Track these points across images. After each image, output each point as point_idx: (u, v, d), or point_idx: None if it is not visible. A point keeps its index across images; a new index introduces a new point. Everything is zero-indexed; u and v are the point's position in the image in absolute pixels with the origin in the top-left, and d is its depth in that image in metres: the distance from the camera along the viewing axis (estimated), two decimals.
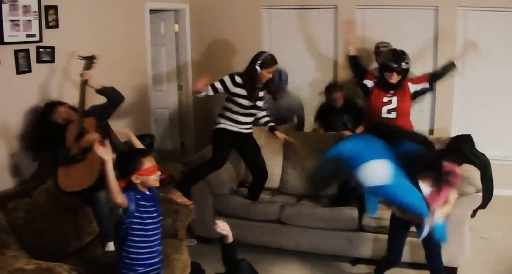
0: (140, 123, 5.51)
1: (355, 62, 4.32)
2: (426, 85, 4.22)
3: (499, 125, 5.67)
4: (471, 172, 4.13)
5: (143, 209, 2.80)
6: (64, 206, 3.59)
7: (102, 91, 3.88)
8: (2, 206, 3.27)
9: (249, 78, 4.30)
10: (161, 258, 3.00)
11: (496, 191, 5.22)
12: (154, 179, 2.83)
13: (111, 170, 2.59)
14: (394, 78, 4.10)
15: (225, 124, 4.40)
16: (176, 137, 6.78)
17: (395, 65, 4.05)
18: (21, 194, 3.48)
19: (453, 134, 5.23)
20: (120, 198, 2.63)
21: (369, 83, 4.23)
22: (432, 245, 3.36)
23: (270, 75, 4.37)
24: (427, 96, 5.67)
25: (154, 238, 2.87)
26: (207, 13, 6.32)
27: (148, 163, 2.81)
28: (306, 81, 6.17)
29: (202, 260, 4.22)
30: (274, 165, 4.96)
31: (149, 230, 2.83)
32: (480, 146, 5.12)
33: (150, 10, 5.64)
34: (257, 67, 4.27)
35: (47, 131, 3.78)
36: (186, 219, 3.86)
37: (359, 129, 4.94)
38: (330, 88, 5.27)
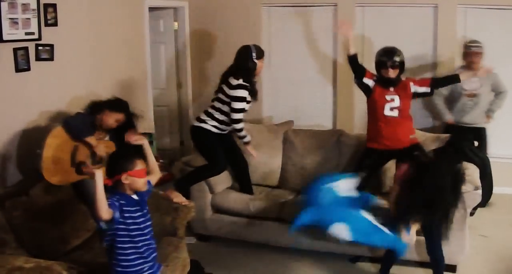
0: (139, 121, 5.49)
1: (355, 61, 4.34)
2: (427, 89, 4.27)
3: (499, 123, 5.66)
4: (471, 170, 4.13)
5: (127, 215, 2.72)
6: (62, 203, 3.58)
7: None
8: None
9: (250, 75, 4.29)
10: (155, 262, 2.91)
11: (495, 189, 5.23)
12: (143, 182, 2.78)
13: (101, 185, 2.55)
14: (391, 73, 4.14)
15: (211, 126, 4.39)
16: (176, 135, 6.78)
17: (388, 60, 4.11)
18: (19, 192, 3.46)
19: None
20: (106, 214, 2.56)
21: (369, 82, 4.25)
22: (433, 235, 3.56)
23: (263, 65, 4.38)
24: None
25: (142, 243, 2.78)
26: (206, 11, 6.32)
27: (140, 165, 2.78)
28: (305, 79, 6.16)
29: (202, 258, 4.22)
30: (274, 162, 4.96)
31: (135, 236, 2.75)
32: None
33: (149, 8, 5.63)
34: (256, 61, 4.26)
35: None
36: (185, 217, 3.86)
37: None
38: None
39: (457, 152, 4.33)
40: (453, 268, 3.95)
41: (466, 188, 3.85)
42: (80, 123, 3.67)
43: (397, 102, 4.18)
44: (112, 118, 3.80)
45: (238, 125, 4.34)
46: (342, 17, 5.79)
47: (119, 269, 2.75)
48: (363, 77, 4.26)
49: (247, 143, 4.49)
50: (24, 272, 2.78)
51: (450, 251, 3.80)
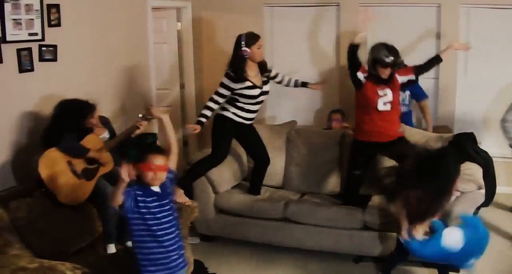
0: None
1: (355, 52, 4.33)
2: (412, 77, 4.29)
3: (496, 121, 5.65)
4: (474, 170, 4.12)
5: (142, 205, 2.76)
6: (67, 205, 3.58)
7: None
8: (4, 205, 3.26)
9: (239, 63, 4.30)
10: (183, 260, 2.94)
11: (498, 189, 5.21)
12: (150, 177, 2.78)
13: (124, 187, 2.63)
14: (388, 72, 4.14)
15: (232, 114, 4.42)
16: (179, 135, 6.78)
17: (392, 60, 4.07)
18: (23, 193, 3.47)
19: (455, 132, 5.22)
20: (117, 203, 2.67)
21: (361, 76, 4.25)
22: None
23: (262, 50, 4.37)
24: (430, 94, 5.70)
25: (165, 238, 2.80)
26: (209, 11, 6.32)
27: (153, 160, 2.78)
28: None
29: (205, 258, 4.24)
30: (277, 162, 4.96)
31: (155, 230, 2.78)
32: (482, 144, 5.12)
33: (152, 8, 5.63)
34: (246, 49, 4.25)
35: (70, 127, 3.66)
36: (189, 217, 3.86)
37: None
38: None
39: (460, 152, 4.31)
40: (456, 267, 3.94)
41: (469, 187, 3.86)
42: (74, 145, 3.61)
43: (390, 96, 4.19)
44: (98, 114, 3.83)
45: (208, 102, 4.40)
46: (344, 17, 5.79)
47: (140, 256, 2.83)
48: (357, 71, 4.26)
49: (199, 122, 4.34)
50: (28, 272, 2.79)
51: None
